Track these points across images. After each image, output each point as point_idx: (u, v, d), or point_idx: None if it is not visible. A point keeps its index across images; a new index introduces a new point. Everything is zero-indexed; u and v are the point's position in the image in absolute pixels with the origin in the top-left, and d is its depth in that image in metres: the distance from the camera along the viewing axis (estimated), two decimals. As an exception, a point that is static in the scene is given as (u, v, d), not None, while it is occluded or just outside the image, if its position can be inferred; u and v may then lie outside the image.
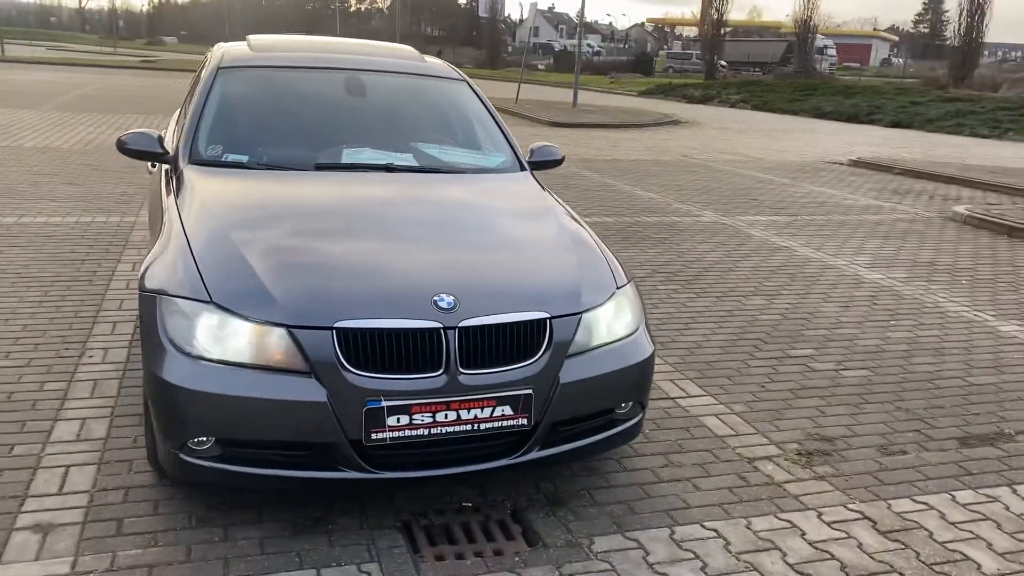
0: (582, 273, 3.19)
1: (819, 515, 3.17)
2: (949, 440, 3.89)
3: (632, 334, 3.16)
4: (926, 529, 3.11)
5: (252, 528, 2.87)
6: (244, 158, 3.78)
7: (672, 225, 8.49)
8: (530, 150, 4.36)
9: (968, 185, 12.78)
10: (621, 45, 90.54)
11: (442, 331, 2.73)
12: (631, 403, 3.17)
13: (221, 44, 4.76)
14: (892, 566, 2.87)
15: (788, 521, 3.12)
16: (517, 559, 2.80)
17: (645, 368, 3.16)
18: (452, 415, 2.74)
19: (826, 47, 54.40)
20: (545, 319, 2.89)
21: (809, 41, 41.01)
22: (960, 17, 33.99)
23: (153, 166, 4.48)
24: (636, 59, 56.50)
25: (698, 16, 60.94)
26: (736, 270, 6.79)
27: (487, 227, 3.50)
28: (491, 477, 3.14)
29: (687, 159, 14.47)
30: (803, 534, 3.04)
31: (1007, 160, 16.71)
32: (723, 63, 42.91)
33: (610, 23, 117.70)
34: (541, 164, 4.32)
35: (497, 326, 2.81)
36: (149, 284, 2.91)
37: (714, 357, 4.77)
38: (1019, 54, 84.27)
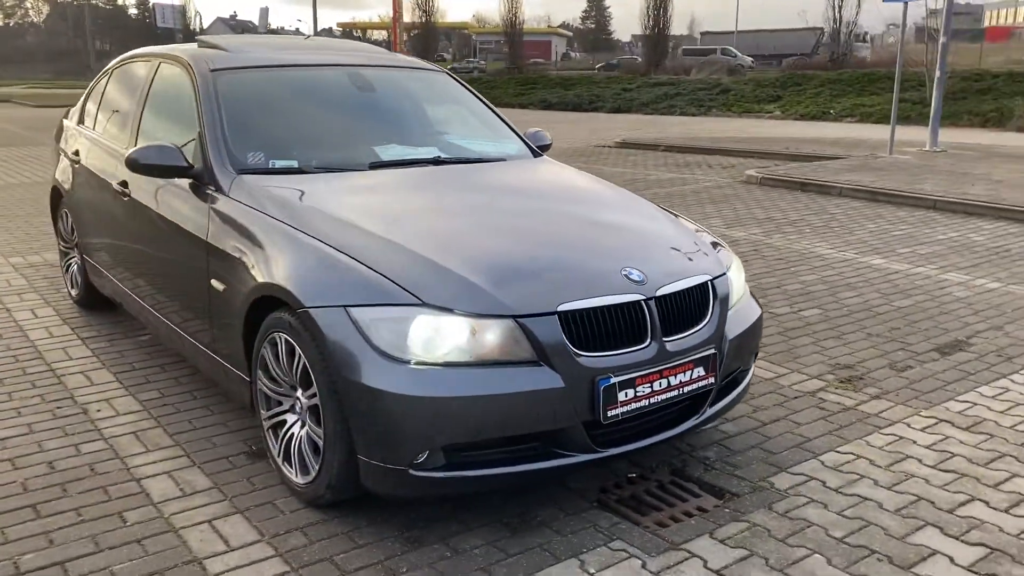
0: (703, 238, 3.36)
1: (908, 426, 3.60)
2: (930, 352, 4.53)
3: (744, 294, 3.38)
4: (990, 420, 3.66)
5: (471, 536, 2.73)
6: (293, 163, 3.49)
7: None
8: (527, 135, 4.41)
9: (727, 154, 14.38)
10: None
11: (643, 302, 2.78)
12: (752, 359, 3.40)
13: (176, 48, 4.27)
14: (999, 451, 3.36)
15: (893, 435, 3.51)
16: (726, 510, 2.92)
17: (760, 325, 3.39)
18: (664, 383, 2.80)
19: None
20: (708, 280, 3.03)
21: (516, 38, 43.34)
22: (648, 11, 37.77)
23: (126, 187, 3.94)
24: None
25: (386, 19, 61.95)
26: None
27: (593, 206, 3.53)
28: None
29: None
30: (914, 442, 3.45)
31: (730, 131, 19.02)
32: (749, 58, 40.45)
33: (297, 28, 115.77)
34: (541, 149, 4.39)
35: (682, 292, 2.91)
36: (321, 300, 2.66)
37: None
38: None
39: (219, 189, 3.33)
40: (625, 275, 2.82)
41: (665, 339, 2.81)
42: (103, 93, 4.78)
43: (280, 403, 3.00)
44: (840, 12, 31.72)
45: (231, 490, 3.00)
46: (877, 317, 5.14)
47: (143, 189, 3.79)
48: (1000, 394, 3.95)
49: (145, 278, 3.95)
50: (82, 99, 5.11)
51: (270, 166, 3.44)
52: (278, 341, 2.86)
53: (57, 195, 5.11)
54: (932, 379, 4.14)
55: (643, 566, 2.58)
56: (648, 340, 2.78)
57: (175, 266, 3.56)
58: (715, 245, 3.39)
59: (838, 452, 3.35)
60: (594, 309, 2.69)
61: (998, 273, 6.22)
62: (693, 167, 12.82)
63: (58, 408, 3.69)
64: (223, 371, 3.32)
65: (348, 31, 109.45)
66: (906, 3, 12.61)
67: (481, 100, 4.49)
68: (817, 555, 2.64)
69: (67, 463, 3.20)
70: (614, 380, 2.66)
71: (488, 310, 2.58)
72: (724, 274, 3.15)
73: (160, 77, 4.14)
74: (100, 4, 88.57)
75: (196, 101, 3.65)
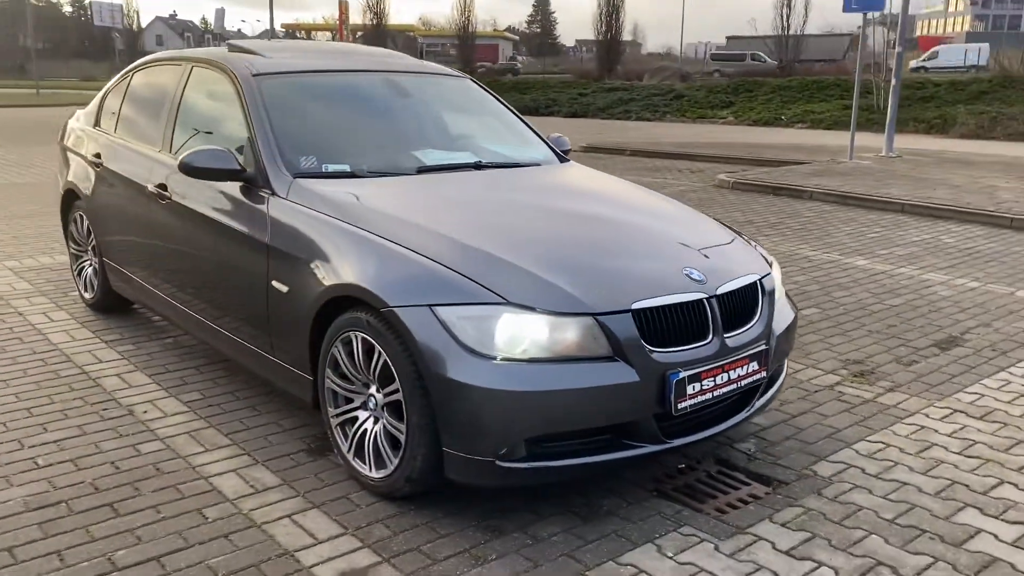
0: (741, 238, 3.54)
1: (926, 416, 3.83)
2: (929, 347, 4.79)
3: (782, 294, 3.56)
4: (1000, 409, 3.91)
5: (546, 525, 2.85)
6: (345, 167, 3.57)
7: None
8: (550, 140, 4.55)
9: (693, 158, 14.72)
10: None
11: (705, 300, 2.94)
12: (785, 356, 3.57)
13: (207, 52, 4.31)
14: (1015, 438, 3.60)
15: (915, 424, 3.73)
16: (778, 496, 3.09)
17: (795, 325, 3.57)
18: (725, 377, 2.96)
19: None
20: (758, 279, 3.21)
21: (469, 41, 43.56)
22: (600, 16, 38.28)
23: (165, 190, 3.97)
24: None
25: (330, 21, 61.34)
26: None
27: (640, 209, 3.68)
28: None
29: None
30: (936, 431, 3.67)
31: (688, 136, 19.44)
32: (775, 63, 39.86)
33: (239, 30, 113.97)
34: (565, 154, 4.53)
35: (738, 290, 3.07)
36: (405, 299, 2.75)
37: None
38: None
39: (275, 193, 3.39)
40: (687, 274, 2.98)
41: (725, 335, 2.97)
42: (124, 97, 4.77)
43: (351, 400, 3.09)
44: (788, 21, 32.63)
45: (301, 486, 3.08)
46: (874, 315, 5.39)
47: (187, 193, 3.82)
48: (1003, 385, 4.20)
49: (185, 281, 3.98)
50: (96, 102, 5.09)
51: (323, 170, 3.52)
52: (353, 340, 2.95)
53: (71, 197, 5.08)
54: (938, 372, 4.38)
55: (716, 549, 2.73)
56: (711, 336, 2.93)
57: (227, 268, 3.60)
58: (753, 246, 3.57)
59: (868, 441, 3.55)
60: (664, 307, 2.83)
61: (975, 273, 6.54)
62: (663, 172, 13.10)
63: (104, 410, 3.70)
64: (281, 371, 3.38)
65: (291, 33, 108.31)
66: (865, 12, 13.07)
67: (506, 106, 4.62)
68: (874, 535, 2.82)
69: (130, 463, 3.23)
70: (683, 374, 2.81)
71: (569, 308, 2.71)
72: (770, 273, 3.33)
73: (195, 81, 4.17)
74: (33, 1, 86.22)
75: (242, 106, 3.70)
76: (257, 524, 2.82)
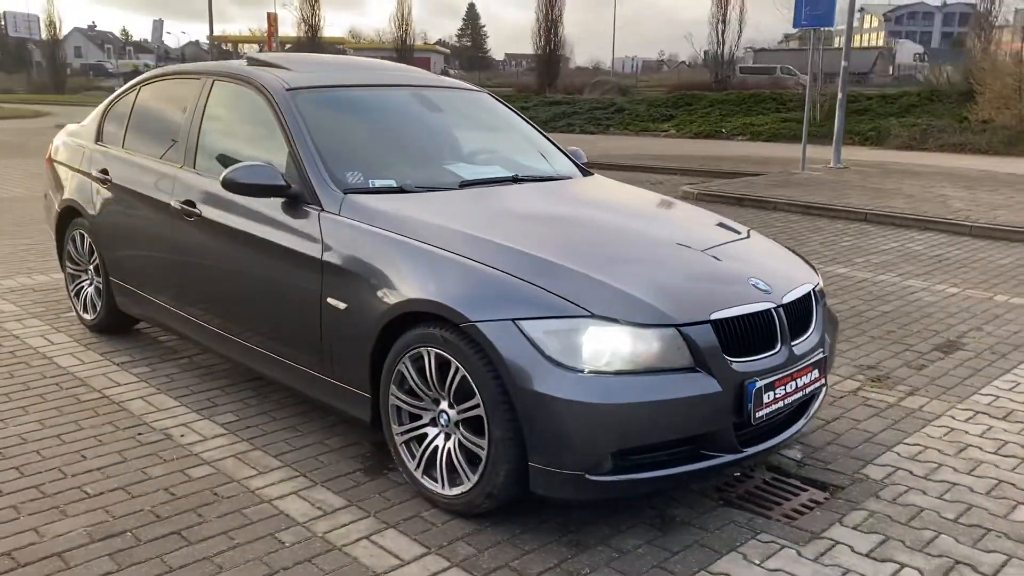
0: (785, 248, 3.63)
1: (953, 418, 3.96)
2: (933, 352, 4.96)
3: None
4: (1019, 410, 4.06)
5: (626, 537, 2.87)
6: (391, 182, 3.53)
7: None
8: (569, 153, 4.58)
9: (650, 171, 14.95)
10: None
11: (773, 310, 3.00)
12: None
13: (228, 65, 4.22)
14: (1042, 437, 3.76)
15: (945, 426, 3.86)
16: (839, 500, 3.16)
17: (836, 334, 3.66)
18: (793, 384, 3.02)
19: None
20: (811, 289, 3.29)
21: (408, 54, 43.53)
22: (540, 31, 38.62)
23: (193, 207, 3.86)
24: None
25: (257, 33, 60.45)
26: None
27: (689, 222, 3.73)
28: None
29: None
30: (966, 432, 3.80)
31: (634, 149, 19.80)
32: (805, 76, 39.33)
33: (163, 41, 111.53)
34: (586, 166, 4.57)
35: (799, 299, 3.14)
36: (487, 314, 2.74)
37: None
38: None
39: (325, 209, 3.34)
40: (753, 284, 3.03)
41: (792, 344, 3.03)
42: (131, 111, 4.63)
43: (418, 417, 3.05)
44: (723, 36, 33.39)
45: (370, 506, 3.02)
46: (871, 321, 5.56)
47: (219, 209, 3.73)
48: (1015, 387, 4.38)
49: (214, 298, 3.88)
50: (97, 117, 4.93)
51: (369, 186, 3.48)
52: (425, 355, 2.92)
53: (69, 215, 4.90)
54: (949, 376, 4.54)
55: (799, 554, 2.78)
56: (779, 345, 2.99)
57: (269, 285, 3.52)
58: (798, 255, 3.65)
59: (907, 444, 3.66)
60: (739, 317, 2.88)
61: (951, 279, 6.80)
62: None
63: (139, 435, 3.58)
64: (333, 389, 3.32)
65: (217, 45, 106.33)
66: (814, 29, 13.49)
67: (524, 119, 4.63)
68: (944, 536, 2.90)
69: (184, 488, 3.13)
70: (760, 383, 2.86)
71: (652, 320, 2.74)
72: (819, 282, 3.41)
73: (218, 96, 4.08)
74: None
75: (280, 121, 3.63)
76: (337, 547, 2.76)
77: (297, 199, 3.44)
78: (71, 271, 5.05)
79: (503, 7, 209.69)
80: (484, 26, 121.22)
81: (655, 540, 2.85)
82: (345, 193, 3.37)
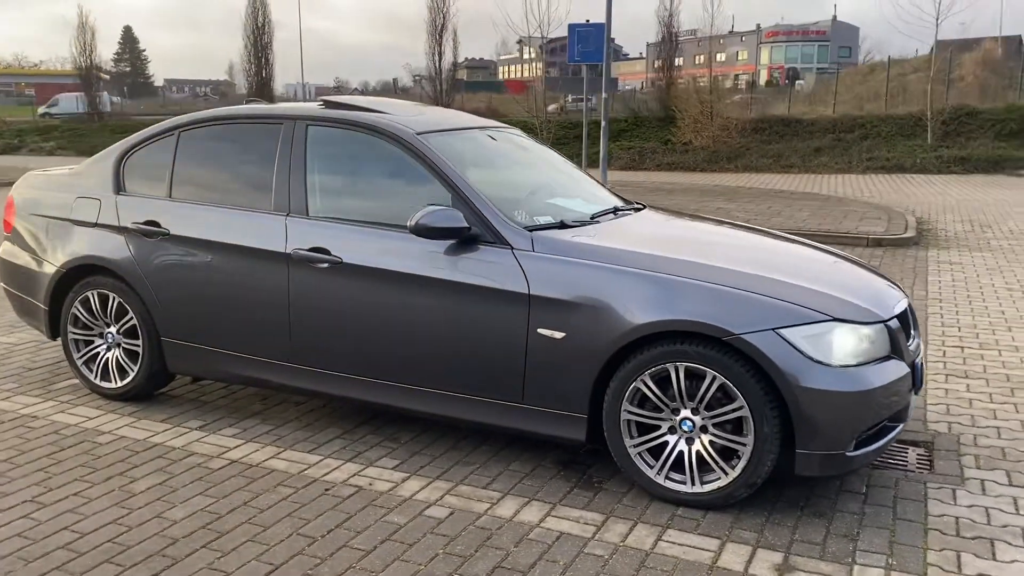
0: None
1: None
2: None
3: None
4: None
5: (848, 502, 3.42)
6: (549, 219, 3.81)
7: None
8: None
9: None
10: None
11: (909, 305, 3.76)
12: None
13: (309, 109, 4.16)
14: None
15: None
16: (942, 451, 3.97)
17: None
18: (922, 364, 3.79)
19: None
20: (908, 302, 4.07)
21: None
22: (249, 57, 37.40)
23: (327, 254, 3.78)
24: None
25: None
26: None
27: (784, 243, 4.29)
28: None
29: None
30: (999, 431, 4.80)
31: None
32: None
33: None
34: None
35: (904, 310, 3.86)
36: (750, 327, 3.19)
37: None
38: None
39: (516, 247, 3.54)
40: (890, 286, 3.76)
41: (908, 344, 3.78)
42: (174, 159, 4.31)
43: (655, 428, 3.39)
44: (441, 62, 34.40)
45: (624, 513, 3.30)
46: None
47: (368, 254, 3.74)
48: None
49: (360, 341, 3.82)
50: (107, 166, 4.47)
51: (535, 223, 3.73)
52: (672, 370, 3.28)
53: (79, 274, 4.42)
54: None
55: (955, 491, 3.52)
56: (914, 334, 3.74)
57: (452, 322, 3.60)
58: None
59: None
60: (901, 312, 3.59)
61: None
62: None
63: (327, 490, 3.47)
64: (536, 415, 3.52)
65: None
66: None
67: (557, 155, 5.01)
68: (1038, 463, 3.82)
69: (453, 532, 3.17)
70: (919, 362, 3.59)
71: (872, 318, 3.35)
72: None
73: (320, 141, 4.00)
74: None
75: (428, 165, 3.75)
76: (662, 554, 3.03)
77: (476, 239, 3.59)
78: (77, 337, 4.52)
79: (152, 31, 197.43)
80: (144, 50, 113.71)
81: (870, 500, 3.45)
82: (528, 230, 3.61)
